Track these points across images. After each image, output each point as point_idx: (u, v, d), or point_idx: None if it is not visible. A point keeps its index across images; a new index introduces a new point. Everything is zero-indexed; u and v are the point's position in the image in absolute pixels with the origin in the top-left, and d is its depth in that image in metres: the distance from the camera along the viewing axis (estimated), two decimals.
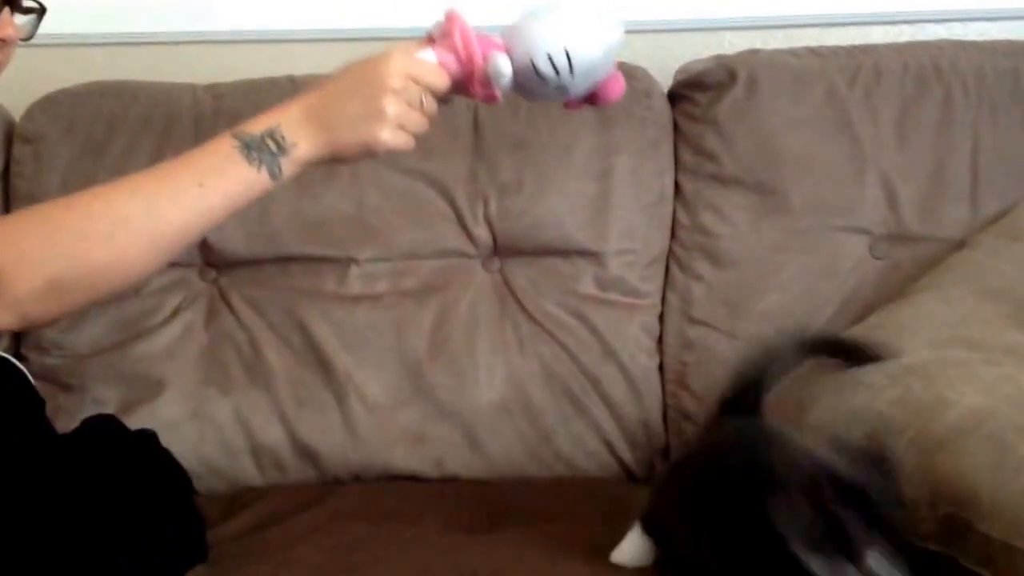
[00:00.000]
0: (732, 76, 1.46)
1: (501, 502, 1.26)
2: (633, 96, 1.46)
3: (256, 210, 1.42)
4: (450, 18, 1.00)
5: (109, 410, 1.36)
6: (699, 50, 1.55)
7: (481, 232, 1.45)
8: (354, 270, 1.44)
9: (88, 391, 1.41)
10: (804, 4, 1.63)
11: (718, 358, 1.43)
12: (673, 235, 1.48)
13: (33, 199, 1.43)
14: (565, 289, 1.44)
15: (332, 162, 1.00)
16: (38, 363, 1.43)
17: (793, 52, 1.49)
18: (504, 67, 0.98)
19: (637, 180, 1.45)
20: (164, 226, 0.96)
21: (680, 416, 1.44)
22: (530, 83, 1.00)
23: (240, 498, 1.31)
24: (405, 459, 1.39)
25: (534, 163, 1.44)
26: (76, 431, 1.18)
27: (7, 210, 1.46)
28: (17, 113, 1.49)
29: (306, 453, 1.39)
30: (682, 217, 1.47)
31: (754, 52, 1.50)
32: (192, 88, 1.49)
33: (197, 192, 0.96)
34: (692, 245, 1.46)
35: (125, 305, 1.43)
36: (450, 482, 1.37)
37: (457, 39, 0.99)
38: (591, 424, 1.41)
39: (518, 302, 1.44)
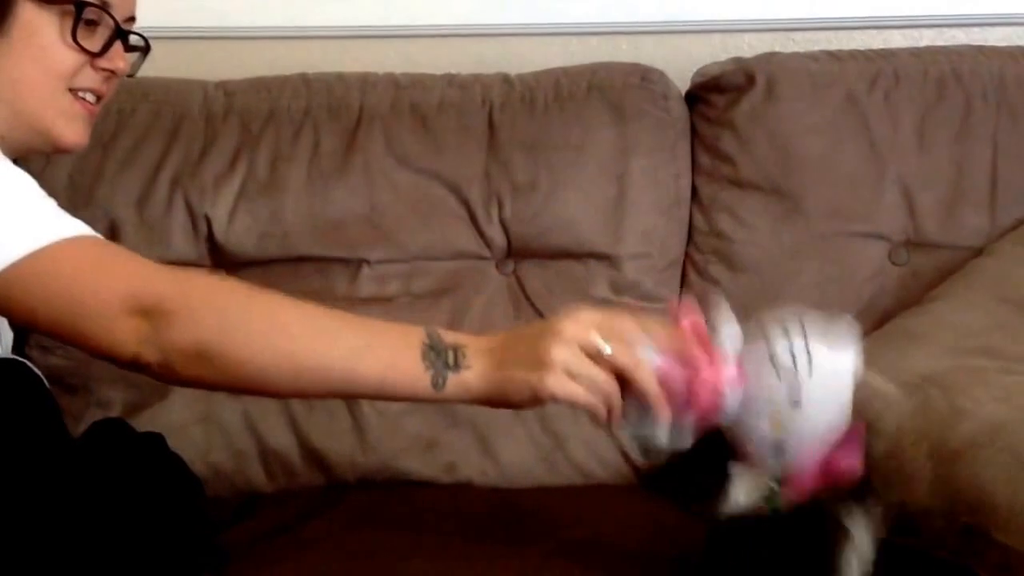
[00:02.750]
0: (750, 79, 1.45)
1: (515, 510, 1.25)
2: (650, 98, 1.45)
3: (267, 210, 1.42)
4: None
5: (114, 412, 1.34)
6: (717, 52, 1.54)
7: (495, 234, 1.43)
8: (366, 271, 1.42)
9: (93, 393, 1.39)
10: (823, 7, 1.62)
11: None
12: (689, 239, 1.47)
13: None
14: (579, 292, 1.42)
15: (500, 404, 0.96)
16: (42, 363, 1.41)
17: (812, 56, 1.49)
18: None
19: (653, 183, 1.44)
20: (311, 361, 0.94)
21: None
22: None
23: (249, 504, 1.30)
24: (416, 465, 1.37)
25: (549, 164, 1.42)
26: (84, 436, 1.16)
27: None
28: None
29: (316, 458, 1.38)
30: (698, 221, 1.46)
31: (772, 55, 1.49)
32: (203, 85, 1.48)
33: (361, 349, 0.94)
34: (708, 249, 1.45)
35: None
36: (462, 489, 1.36)
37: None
38: (605, 430, 1.40)
39: (532, 305, 1.43)
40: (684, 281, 1.46)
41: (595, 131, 1.43)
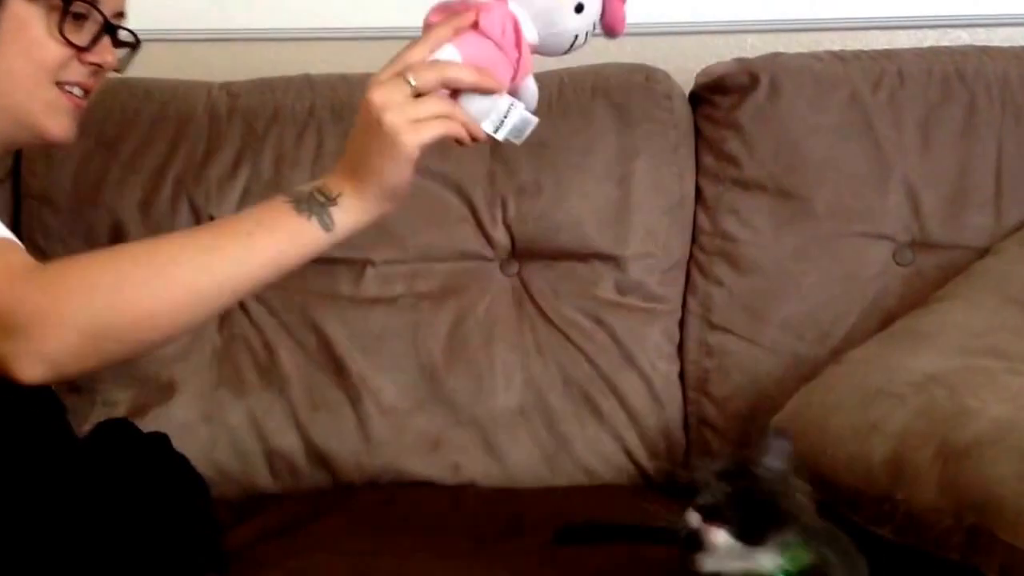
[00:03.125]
0: (754, 79, 1.44)
1: (519, 510, 1.25)
2: (654, 99, 1.45)
3: None
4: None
5: (119, 413, 1.34)
6: (721, 53, 1.53)
7: (499, 234, 1.43)
8: (370, 272, 1.42)
9: (98, 393, 1.39)
10: (827, 7, 1.62)
11: (739, 365, 1.41)
12: (694, 240, 1.46)
13: (44, 196, 1.43)
14: (584, 293, 1.42)
15: (393, 200, 0.98)
16: None
17: (816, 56, 1.48)
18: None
19: (658, 184, 1.44)
20: (207, 277, 0.93)
21: (701, 423, 1.42)
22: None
23: (253, 504, 1.30)
24: (421, 465, 1.37)
25: (553, 165, 1.42)
26: (90, 436, 1.16)
27: (16, 207, 1.45)
28: None
29: (320, 458, 1.38)
30: (703, 222, 1.46)
31: (776, 55, 1.49)
32: (207, 86, 1.48)
33: (245, 242, 0.94)
34: (713, 250, 1.45)
35: None
36: (467, 489, 1.36)
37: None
38: (610, 431, 1.40)
39: (536, 306, 1.43)
40: (688, 281, 1.46)
41: (599, 132, 1.43)
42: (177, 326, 0.95)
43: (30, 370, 0.89)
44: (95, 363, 0.93)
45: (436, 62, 0.95)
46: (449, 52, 0.95)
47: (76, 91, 1.05)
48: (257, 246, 0.94)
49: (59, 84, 1.04)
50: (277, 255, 0.95)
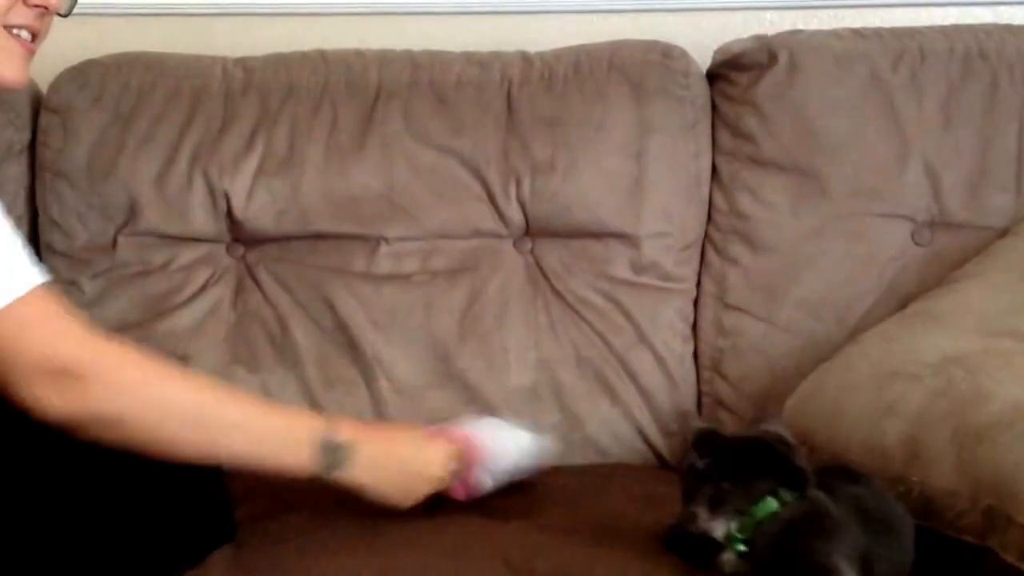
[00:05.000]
0: (772, 57, 1.43)
1: (532, 488, 1.24)
2: (671, 76, 1.44)
3: (285, 186, 1.42)
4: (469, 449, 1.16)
5: None
6: (739, 29, 1.52)
7: (513, 212, 1.42)
8: (383, 249, 1.42)
9: None
10: None
11: (754, 345, 1.41)
12: (709, 218, 1.45)
13: (59, 170, 1.43)
14: (598, 272, 1.41)
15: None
16: None
17: (836, 33, 1.47)
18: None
19: (673, 162, 1.43)
20: (215, 448, 1.05)
21: (715, 403, 1.42)
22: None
23: (265, 478, 1.30)
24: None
25: (568, 142, 1.41)
26: None
27: (32, 180, 1.45)
28: (44, 84, 1.48)
29: None
30: (719, 200, 1.45)
31: (795, 32, 1.48)
32: (222, 61, 1.48)
33: (262, 441, 1.06)
34: (729, 229, 1.44)
35: (151, 281, 1.42)
36: None
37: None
38: (623, 410, 1.39)
39: (550, 284, 1.42)
40: (703, 261, 1.45)
41: (615, 109, 1.42)
42: (168, 454, 1.02)
43: (62, 412, 0.97)
44: (101, 440, 1.00)
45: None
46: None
47: (24, 34, 1.06)
48: (264, 452, 1.06)
49: (6, 27, 1.05)
50: (270, 463, 1.07)
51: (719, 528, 0.97)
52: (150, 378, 1.02)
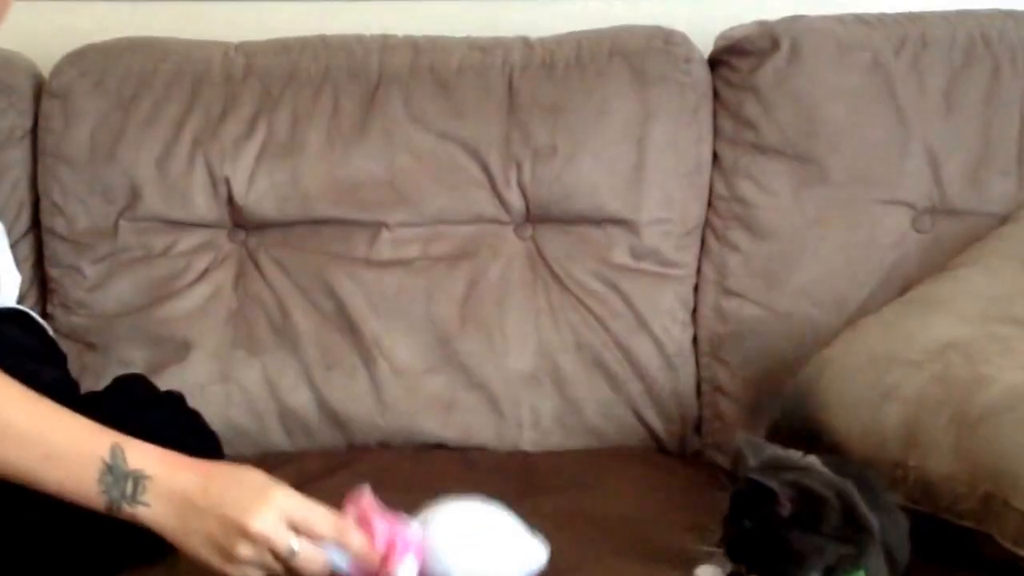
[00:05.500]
0: (774, 42, 1.43)
1: (530, 473, 1.25)
2: (672, 61, 1.43)
3: (287, 172, 1.42)
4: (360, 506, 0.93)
5: (135, 371, 1.35)
6: (741, 15, 1.51)
7: (514, 198, 1.42)
8: (385, 234, 1.42)
9: (114, 351, 1.40)
10: None
11: (753, 331, 1.40)
12: (710, 205, 1.45)
13: (61, 154, 1.43)
14: (598, 258, 1.42)
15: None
16: (64, 322, 1.42)
17: (838, 19, 1.46)
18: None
19: (674, 148, 1.43)
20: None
21: (713, 389, 1.42)
22: None
23: (267, 462, 1.29)
24: (433, 427, 1.38)
25: (569, 128, 1.41)
26: (106, 389, 1.17)
27: (35, 167, 1.45)
28: (46, 68, 1.48)
29: (334, 418, 1.38)
30: (719, 186, 1.45)
31: (798, 18, 1.47)
32: (223, 46, 1.48)
33: (43, 459, 0.91)
34: (729, 215, 1.44)
35: (153, 265, 1.43)
36: (479, 451, 1.36)
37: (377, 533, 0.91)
38: (622, 396, 1.40)
39: (550, 270, 1.42)
40: (704, 247, 1.45)
41: (616, 95, 1.42)
42: None
43: None
44: None
45: (319, 549, 0.90)
46: (336, 555, 0.90)
47: None
48: (48, 474, 0.90)
49: None
50: (56, 492, 0.91)
51: None
52: None
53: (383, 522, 0.92)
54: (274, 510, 0.89)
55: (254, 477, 0.93)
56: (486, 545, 0.96)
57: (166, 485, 0.90)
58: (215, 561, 0.89)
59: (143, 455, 0.91)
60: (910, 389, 1.12)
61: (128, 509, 0.90)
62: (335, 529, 0.90)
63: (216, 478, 0.92)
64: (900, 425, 1.10)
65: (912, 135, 1.41)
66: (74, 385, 1.17)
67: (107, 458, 0.90)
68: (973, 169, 1.42)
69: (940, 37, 1.43)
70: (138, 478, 0.90)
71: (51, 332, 1.27)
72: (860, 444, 1.12)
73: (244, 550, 0.88)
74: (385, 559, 0.91)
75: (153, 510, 0.90)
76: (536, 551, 0.97)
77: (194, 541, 0.89)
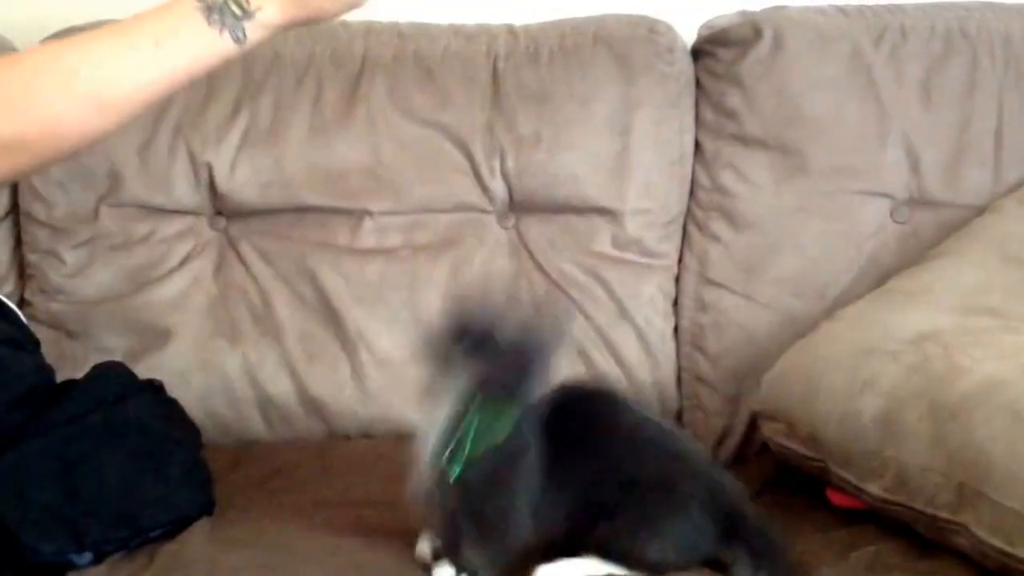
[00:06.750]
0: (757, 32, 1.43)
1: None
2: (656, 51, 1.43)
3: (269, 159, 1.41)
4: None
5: (115, 358, 1.34)
6: (724, 5, 1.51)
7: (497, 187, 1.42)
8: (368, 223, 1.42)
9: (94, 339, 1.39)
10: None
11: (734, 321, 1.41)
12: (692, 195, 1.46)
13: None
14: (581, 247, 1.42)
15: (310, 22, 0.96)
16: (43, 308, 1.41)
17: (820, 10, 1.47)
18: None
19: (657, 138, 1.43)
20: (114, 86, 0.92)
21: (694, 379, 1.43)
22: None
23: (247, 451, 1.31)
24: (415, 416, 1.38)
25: (553, 117, 1.41)
26: (85, 376, 1.17)
27: None
28: None
29: (315, 407, 1.38)
30: (701, 177, 1.45)
31: (780, 8, 1.47)
32: None
33: (152, 53, 0.92)
34: (711, 206, 1.44)
35: (133, 252, 1.42)
36: None
37: None
38: None
39: (533, 259, 1.42)
40: (685, 237, 1.46)
41: (600, 84, 1.42)
42: (86, 136, 0.94)
43: None
44: (12, 171, 0.93)
45: None
46: None
47: None
48: (164, 56, 0.92)
49: None
50: (185, 63, 0.93)
51: None
52: (10, 79, 0.90)
53: None
54: None
55: None
56: None
57: None
58: None
59: None
60: (887, 380, 1.12)
61: (253, 25, 0.92)
62: None
63: None
64: (877, 416, 1.10)
65: (891, 126, 1.42)
66: (49, 371, 1.17)
67: (195, 2, 0.91)
68: (950, 160, 1.43)
69: (919, 28, 1.44)
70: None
71: (23, 317, 1.26)
72: (838, 435, 1.13)
73: None
74: None
75: (269, 7, 0.92)
76: None
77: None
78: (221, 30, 0.92)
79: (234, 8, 0.92)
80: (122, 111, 0.94)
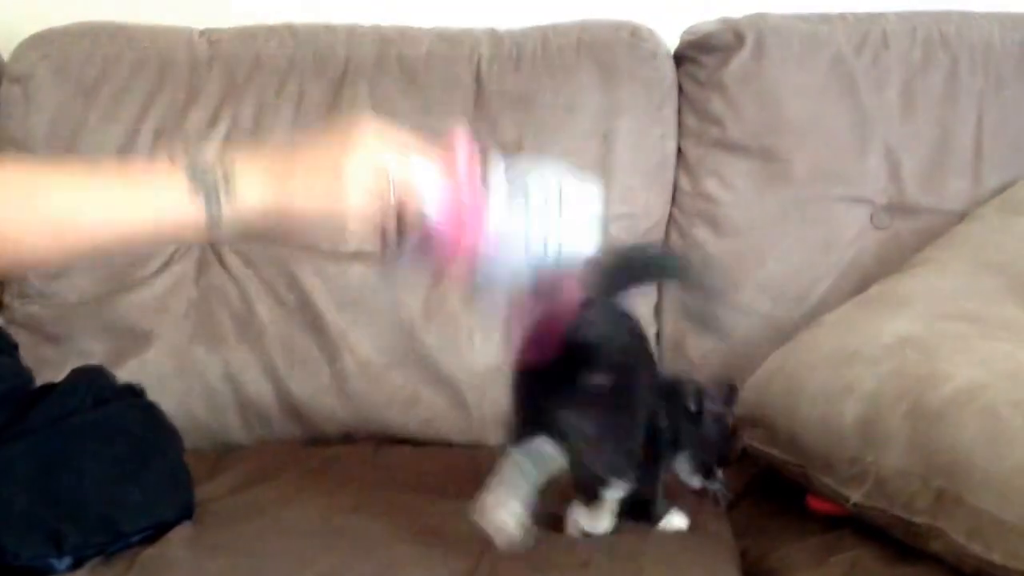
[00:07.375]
0: (740, 39, 1.44)
1: (488, 466, 1.25)
2: (639, 56, 1.44)
3: None
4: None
5: (95, 362, 1.33)
6: (706, 10, 1.52)
7: None
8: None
9: (74, 342, 1.39)
10: None
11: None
12: (674, 201, 1.46)
13: (21, 142, 1.41)
14: None
15: (281, 237, 0.93)
16: (21, 312, 1.40)
17: (802, 17, 1.48)
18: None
19: (639, 143, 1.43)
20: (73, 222, 0.87)
21: None
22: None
23: (227, 455, 1.30)
24: (396, 420, 1.38)
25: (535, 122, 1.41)
26: (64, 380, 1.16)
27: None
28: (5, 52, 1.45)
29: (295, 411, 1.38)
30: (684, 183, 1.46)
31: (762, 15, 1.48)
32: (188, 33, 1.46)
33: (122, 197, 0.87)
34: (693, 211, 1.45)
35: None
36: (442, 446, 1.36)
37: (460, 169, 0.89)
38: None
39: None
40: (667, 242, 1.45)
41: (583, 89, 1.42)
42: (25, 259, 0.90)
43: None
44: None
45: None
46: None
47: None
48: (133, 206, 0.87)
49: None
50: (152, 220, 0.87)
51: None
52: None
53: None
54: (367, 132, 0.91)
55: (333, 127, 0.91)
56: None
57: (244, 170, 0.86)
58: (336, 219, 0.88)
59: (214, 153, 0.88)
60: (868, 385, 1.13)
61: (224, 209, 0.85)
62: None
63: (297, 144, 0.90)
64: (858, 421, 1.11)
65: (872, 133, 1.43)
66: (28, 375, 1.16)
67: (185, 165, 0.86)
68: (931, 167, 1.44)
69: (900, 35, 1.45)
70: (217, 168, 0.86)
71: (0, 320, 1.25)
72: (820, 440, 1.13)
73: (366, 172, 0.89)
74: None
75: (242, 199, 0.86)
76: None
77: (299, 203, 0.87)
78: (198, 195, 0.86)
79: (217, 185, 0.86)
80: (73, 250, 0.89)
